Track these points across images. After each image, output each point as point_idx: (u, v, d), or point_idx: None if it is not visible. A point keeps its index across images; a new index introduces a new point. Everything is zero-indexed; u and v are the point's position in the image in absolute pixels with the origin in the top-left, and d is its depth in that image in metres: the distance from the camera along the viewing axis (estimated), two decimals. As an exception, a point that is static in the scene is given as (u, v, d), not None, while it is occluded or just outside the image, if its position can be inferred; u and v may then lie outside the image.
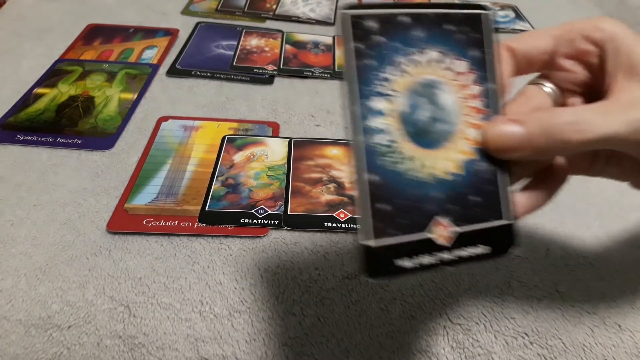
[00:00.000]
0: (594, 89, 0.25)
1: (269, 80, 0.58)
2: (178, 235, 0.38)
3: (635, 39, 0.23)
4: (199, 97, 0.54)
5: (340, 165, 0.45)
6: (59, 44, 0.61)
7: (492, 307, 0.35)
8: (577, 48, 0.24)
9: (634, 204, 0.44)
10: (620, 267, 0.38)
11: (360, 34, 0.21)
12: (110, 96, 0.53)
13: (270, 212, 0.40)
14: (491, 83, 0.24)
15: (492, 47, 0.24)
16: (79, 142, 0.46)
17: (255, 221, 0.39)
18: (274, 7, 0.74)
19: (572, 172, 0.26)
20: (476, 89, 0.23)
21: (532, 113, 0.23)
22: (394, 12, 0.22)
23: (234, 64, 0.60)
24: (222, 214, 0.40)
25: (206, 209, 0.40)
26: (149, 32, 0.65)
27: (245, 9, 0.73)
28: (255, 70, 0.59)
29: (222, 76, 0.57)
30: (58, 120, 0.49)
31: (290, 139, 0.48)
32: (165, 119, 0.50)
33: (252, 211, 0.40)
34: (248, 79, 0.57)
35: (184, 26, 0.67)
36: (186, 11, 0.71)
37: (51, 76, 0.55)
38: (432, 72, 0.23)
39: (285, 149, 0.47)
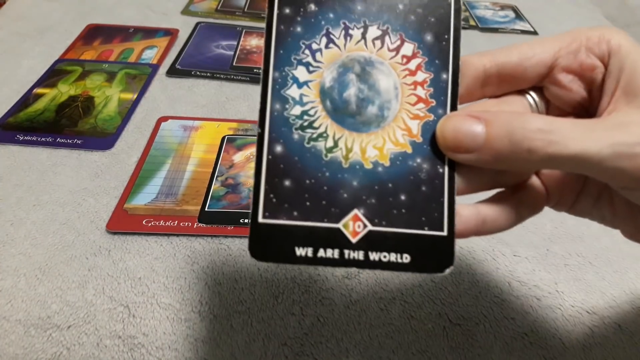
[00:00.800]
0: (587, 113, 0.22)
1: (268, 80, 0.58)
2: (178, 235, 0.38)
3: None
4: (199, 97, 0.54)
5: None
6: (58, 44, 0.61)
7: (492, 307, 0.35)
8: (581, 61, 0.21)
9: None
10: (620, 267, 0.38)
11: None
12: (110, 96, 0.53)
13: (270, 212, 0.40)
14: (444, 73, 0.21)
15: (452, 34, 0.21)
16: (79, 142, 0.46)
17: (255, 221, 0.39)
18: (274, 7, 0.74)
19: (551, 204, 0.24)
20: (423, 77, 0.21)
21: (499, 112, 0.20)
22: None
23: (234, 64, 0.60)
24: (222, 214, 0.40)
25: (206, 209, 0.40)
26: (149, 32, 0.65)
27: (245, 9, 0.73)
28: (255, 70, 0.59)
29: (222, 76, 0.57)
30: (58, 120, 0.49)
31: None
32: (165, 119, 0.50)
33: (252, 211, 0.40)
34: (248, 79, 0.57)
35: (184, 26, 0.67)
36: (186, 11, 0.71)
37: (51, 76, 0.55)
38: (370, 50, 0.21)
39: (285, 149, 0.47)
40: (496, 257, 0.38)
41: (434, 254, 0.20)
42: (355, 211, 0.20)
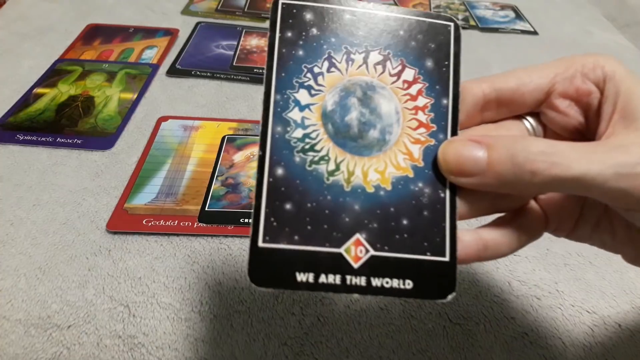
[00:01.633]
0: (583, 138, 0.22)
1: (268, 80, 0.58)
2: (178, 235, 0.38)
3: (636, 82, 0.20)
4: (199, 97, 0.54)
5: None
6: (58, 44, 0.61)
7: (492, 307, 0.35)
8: (577, 87, 0.21)
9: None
10: (620, 267, 0.38)
11: (289, 23, 0.20)
12: (110, 96, 0.53)
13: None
14: (444, 98, 0.21)
15: (452, 60, 0.22)
16: (79, 142, 0.46)
17: (255, 221, 0.39)
18: (274, 7, 0.74)
19: (550, 230, 0.24)
20: (424, 102, 0.21)
21: (500, 136, 0.20)
22: (336, 8, 0.21)
23: (234, 63, 0.60)
24: (222, 213, 0.40)
25: (206, 209, 0.40)
26: (149, 32, 0.65)
27: (245, 9, 0.73)
28: (255, 70, 0.59)
29: (222, 76, 0.57)
30: (58, 120, 0.49)
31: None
32: (165, 118, 0.50)
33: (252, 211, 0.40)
34: (248, 79, 0.57)
35: (184, 26, 0.67)
36: (186, 11, 0.71)
37: (51, 76, 0.55)
38: (372, 74, 0.21)
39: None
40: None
41: (436, 280, 0.20)
42: (357, 236, 0.19)
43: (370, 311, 0.34)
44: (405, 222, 0.20)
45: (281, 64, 0.20)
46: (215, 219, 0.39)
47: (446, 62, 0.22)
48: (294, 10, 0.21)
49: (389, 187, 0.20)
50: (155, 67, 0.58)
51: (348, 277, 0.19)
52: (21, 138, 0.46)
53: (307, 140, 0.20)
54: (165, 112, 0.51)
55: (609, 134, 0.20)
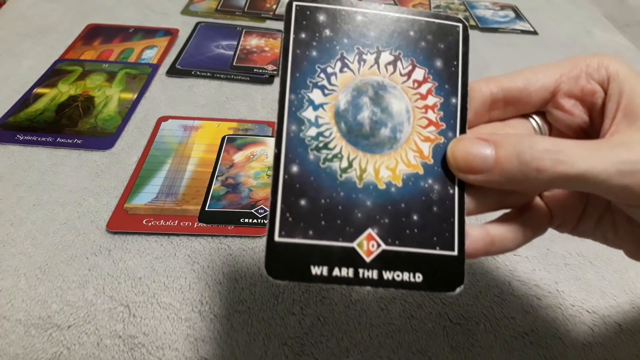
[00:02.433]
0: (587, 137, 0.23)
1: (268, 80, 0.58)
2: (178, 235, 0.38)
3: (639, 82, 0.21)
4: (199, 97, 0.54)
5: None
6: (58, 44, 0.61)
7: (492, 307, 0.35)
8: (582, 87, 0.22)
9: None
10: (620, 266, 0.38)
11: (303, 24, 0.21)
12: (110, 96, 0.53)
13: (270, 211, 0.40)
14: (453, 97, 0.22)
15: (460, 60, 0.22)
16: (79, 142, 0.46)
17: (255, 221, 0.39)
18: (274, 7, 0.74)
19: (554, 226, 0.24)
20: (434, 101, 0.22)
21: (507, 135, 0.21)
22: (348, 9, 0.21)
23: (234, 63, 0.60)
24: (222, 213, 0.40)
25: (206, 209, 0.40)
26: (149, 32, 0.65)
27: (245, 9, 0.73)
28: (255, 70, 0.59)
29: (222, 76, 0.57)
30: (58, 120, 0.49)
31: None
32: (165, 118, 0.50)
33: (252, 211, 0.40)
34: (248, 78, 0.57)
35: (184, 26, 0.67)
36: (186, 11, 0.71)
37: (51, 76, 0.55)
38: (383, 74, 0.21)
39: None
40: (496, 257, 0.38)
41: (446, 273, 0.20)
42: (369, 230, 0.20)
43: (370, 311, 0.34)
44: (415, 217, 0.20)
45: (295, 64, 0.21)
46: (216, 219, 0.39)
47: (455, 62, 0.22)
48: (308, 12, 0.21)
49: (399, 184, 0.21)
50: (155, 67, 0.58)
51: (361, 271, 0.20)
52: (21, 138, 0.46)
53: (320, 138, 0.20)
54: (165, 112, 0.51)
55: (613, 132, 0.20)
